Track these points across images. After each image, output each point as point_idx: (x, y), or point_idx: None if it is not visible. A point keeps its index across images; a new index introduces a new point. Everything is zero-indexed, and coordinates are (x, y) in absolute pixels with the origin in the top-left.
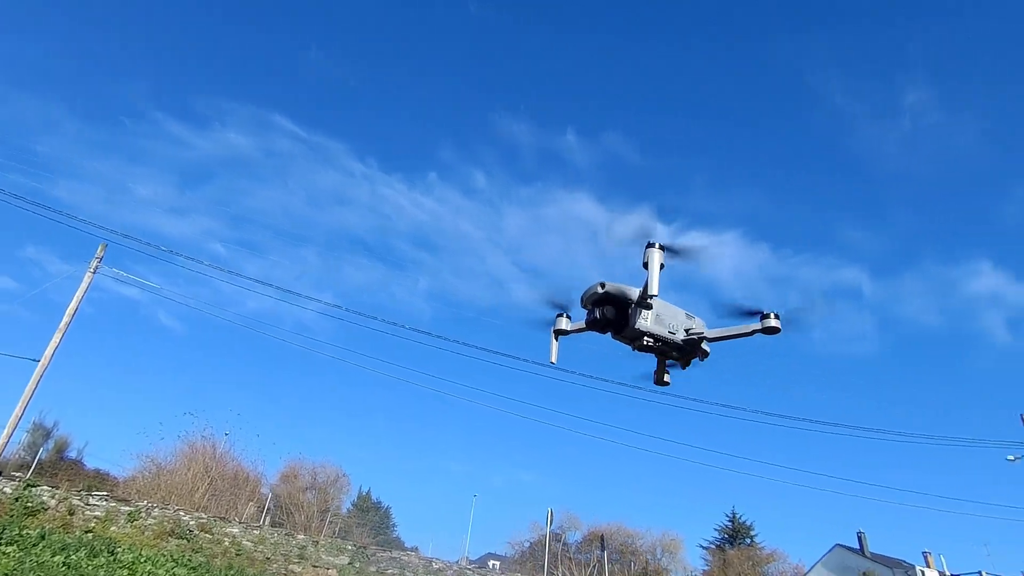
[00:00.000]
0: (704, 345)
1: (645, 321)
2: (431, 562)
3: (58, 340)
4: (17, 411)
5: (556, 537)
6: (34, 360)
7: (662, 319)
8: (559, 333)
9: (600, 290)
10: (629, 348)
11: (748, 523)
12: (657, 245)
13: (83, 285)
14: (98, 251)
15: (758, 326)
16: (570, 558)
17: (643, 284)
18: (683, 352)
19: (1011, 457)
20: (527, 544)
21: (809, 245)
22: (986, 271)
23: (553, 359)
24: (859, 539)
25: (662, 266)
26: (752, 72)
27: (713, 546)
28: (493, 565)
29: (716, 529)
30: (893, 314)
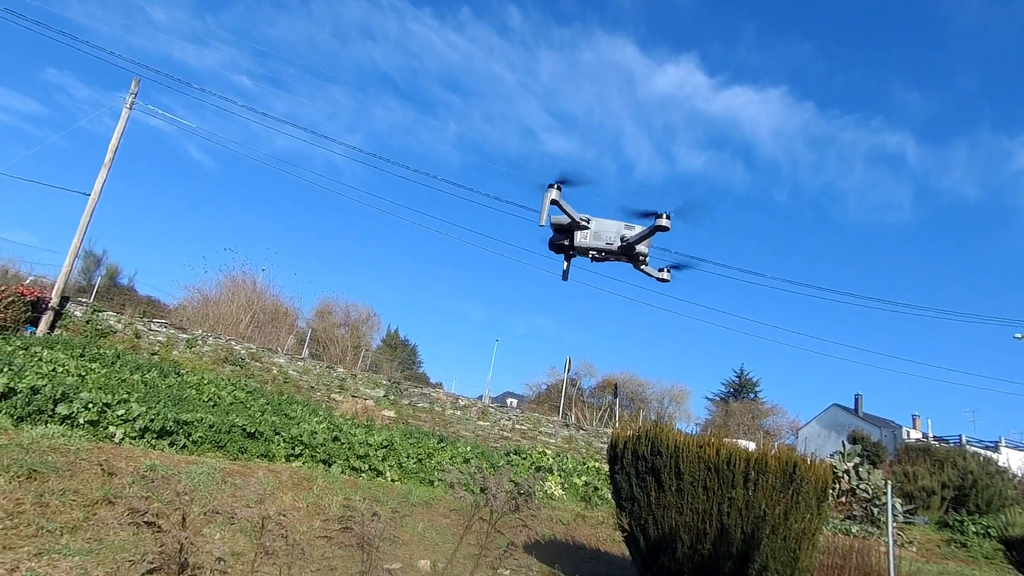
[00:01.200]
0: (639, 248)
1: (585, 239)
2: (457, 399)
3: (104, 175)
4: (75, 241)
5: (572, 383)
6: (84, 193)
7: (599, 234)
8: (553, 203)
9: (552, 227)
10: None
11: (754, 380)
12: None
13: (121, 120)
14: (132, 86)
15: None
16: (584, 402)
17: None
18: (627, 256)
19: (1019, 335)
20: (544, 387)
21: (858, 106)
22: None
23: (543, 222)
24: (855, 400)
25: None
26: None
27: (718, 398)
28: (512, 403)
29: (723, 383)
30: (933, 184)
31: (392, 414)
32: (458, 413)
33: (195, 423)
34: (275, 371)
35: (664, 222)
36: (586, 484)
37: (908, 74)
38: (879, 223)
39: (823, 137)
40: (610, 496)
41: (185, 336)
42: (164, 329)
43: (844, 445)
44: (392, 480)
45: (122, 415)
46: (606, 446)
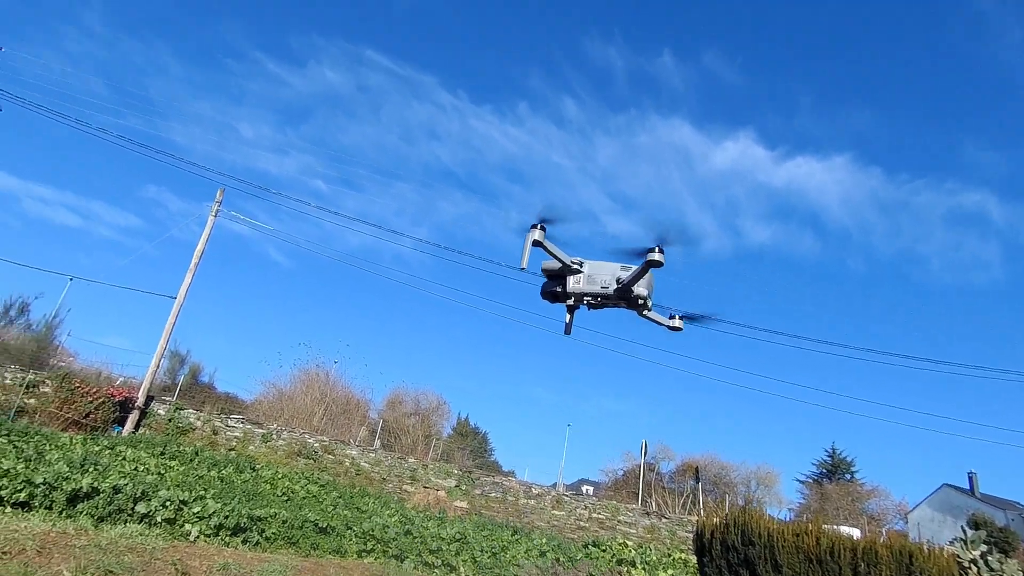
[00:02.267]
0: (636, 290)
1: (578, 284)
2: (530, 487)
3: (189, 279)
4: (162, 343)
5: (649, 467)
6: (171, 297)
7: (593, 278)
8: (536, 244)
9: (543, 273)
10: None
11: (848, 459)
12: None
13: (207, 228)
14: (217, 195)
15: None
16: (663, 487)
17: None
18: (625, 300)
19: None
20: (620, 472)
21: (928, 169)
22: None
23: (523, 264)
24: (969, 479)
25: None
26: None
27: (810, 480)
28: (587, 490)
29: (814, 464)
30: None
31: (464, 505)
32: (532, 503)
33: (268, 519)
34: (347, 463)
35: (656, 256)
36: None
37: (978, 132)
38: (967, 285)
39: (895, 202)
40: None
41: (261, 431)
42: (241, 425)
43: (964, 531)
44: None
45: (198, 512)
46: (691, 535)
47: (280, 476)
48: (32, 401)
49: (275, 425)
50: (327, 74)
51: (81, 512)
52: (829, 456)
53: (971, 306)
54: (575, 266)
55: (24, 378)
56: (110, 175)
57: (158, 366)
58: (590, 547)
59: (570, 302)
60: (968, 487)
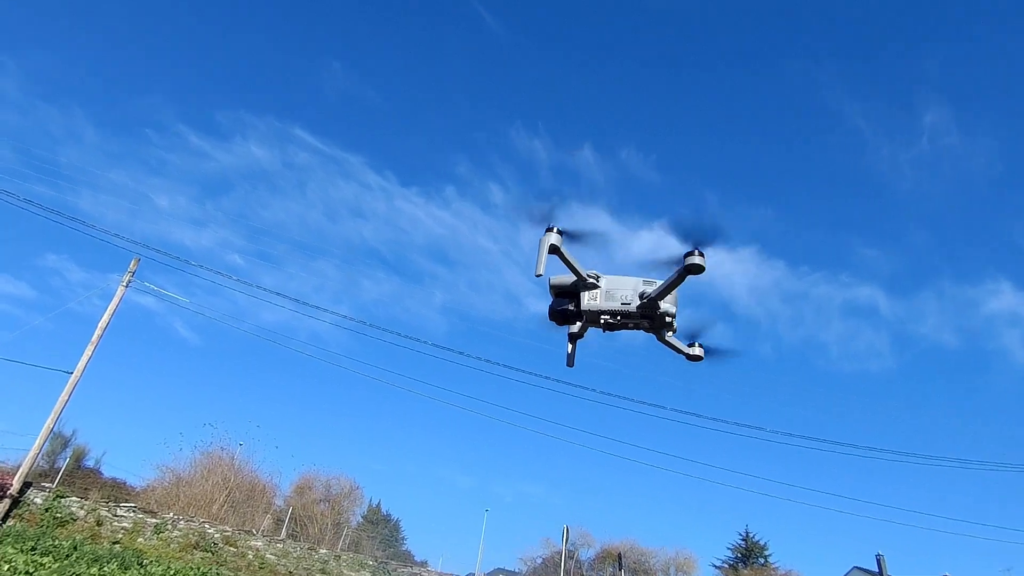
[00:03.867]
0: (663, 306)
1: (594, 301)
2: None
3: (91, 352)
4: (49, 422)
5: (570, 554)
6: (67, 372)
7: (612, 294)
8: (553, 250)
9: (552, 290)
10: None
11: (762, 542)
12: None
13: (116, 298)
14: (131, 265)
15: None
16: (583, 575)
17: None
18: (648, 319)
19: None
20: (539, 560)
21: (825, 263)
22: (1005, 290)
23: (539, 271)
24: (878, 562)
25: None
26: (768, 91)
27: (726, 566)
28: None
29: (729, 548)
30: (910, 332)
31: None
32: None
33: None
34: (251, 555)
35: (697, 260)
36: None
37: (863, 232)
38: (863, 372)
39: (796, 293)
40: None
41: (154, 520)
42: (131, 514)
43: None
44: None
45: None
46: None
47: (171, 573)
48: None
49: (171, 514)
50: (253, 149)
51: None
52: (743, 540)
53: (868, 390)
54: (591, 280)
55: None
56: (4, 241)
57: (40, 448)
58: None
59: (576, 327)
60: (877, 569)
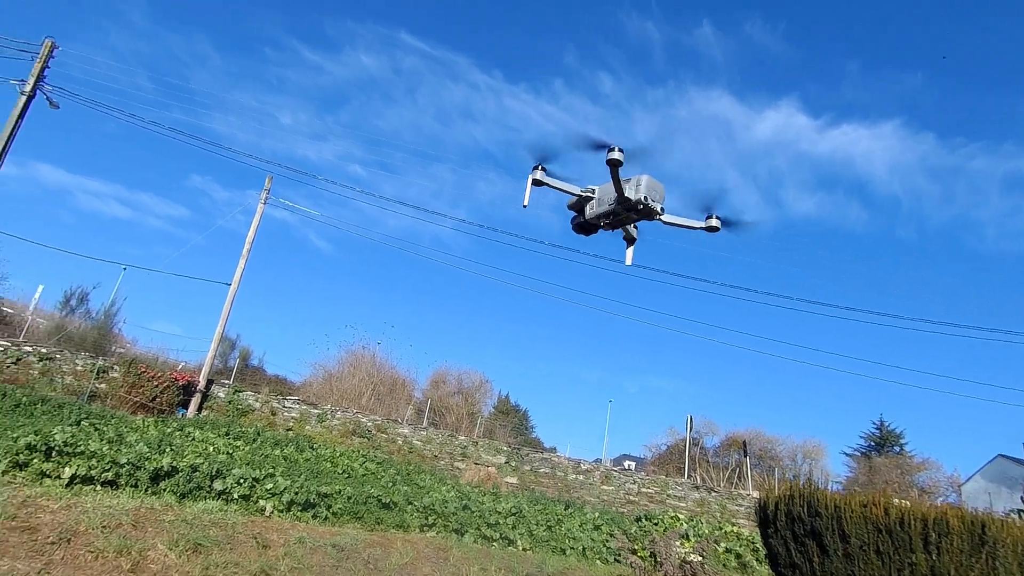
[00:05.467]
0: (632, 195)
1: (593, 210)
2: (579, 463)
3: (243, 265)
4: (219, 328)
5: (694, 442)
6: (226, 283)
7: (603, 200)
8: (536, 183)
9: (570, 209)
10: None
11: (897, 431)
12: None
13: (257, 215)
14: (266, 183)
15: (702, 224)
16: (708, 462)
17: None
18: (634, 211)
19: None
20: (663, 447)
21: (983, 132)
22: None
23: (525, 202)
24: None
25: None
26: None
27: (858, 453)
28: (629, 465)
29: (862, 437)
30: None
31: (515, 480)
32: (580, 478)
33: (334, 495)
34: (400, 441)
35: (616, 155)
36: (727, 551)
37: None
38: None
39: (948, 168)
40: (754, 562)
41: (316, 411)
42: (297, 406)
43: None
44: (524, 549)
45: (270, 489)
46: (741, 508)
47: (338, 454)
48: (103, 386)
49: (328, 406)
50: (362, 59)
51: (164, 490)
52: (877, 429)
53: None
54: (587, 194)
55: (95, 364)
56: (156, 167)
57: (215, 351)
58: (642, 520)
59: (592, 232)
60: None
